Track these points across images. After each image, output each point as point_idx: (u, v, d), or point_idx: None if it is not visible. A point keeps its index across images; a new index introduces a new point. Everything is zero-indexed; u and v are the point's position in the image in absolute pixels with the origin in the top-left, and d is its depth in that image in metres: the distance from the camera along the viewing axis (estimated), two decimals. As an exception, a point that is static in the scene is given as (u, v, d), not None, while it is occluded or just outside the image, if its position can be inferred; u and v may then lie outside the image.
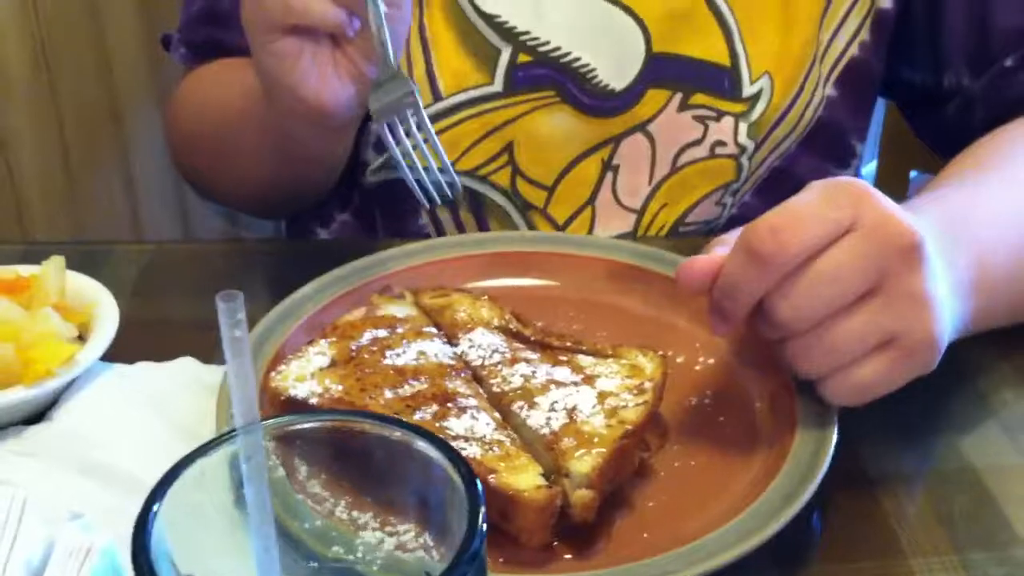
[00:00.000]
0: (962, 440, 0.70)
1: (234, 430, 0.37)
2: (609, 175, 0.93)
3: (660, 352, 0.69)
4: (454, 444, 0.60)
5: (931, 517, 0.65)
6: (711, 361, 0.74)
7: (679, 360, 0.74)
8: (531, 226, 0.94)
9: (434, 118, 0.90)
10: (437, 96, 0.91)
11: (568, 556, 0.60)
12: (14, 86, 1.28)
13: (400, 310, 0.72)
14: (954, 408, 0.72)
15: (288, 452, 0.42)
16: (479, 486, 0.36)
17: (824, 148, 0.98)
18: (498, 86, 0.91)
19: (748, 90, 0.91)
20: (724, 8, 0.90)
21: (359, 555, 0.45)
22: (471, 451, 0.60)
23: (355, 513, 0.45)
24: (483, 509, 0.36)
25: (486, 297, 0.74)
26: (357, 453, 0.39)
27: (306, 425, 0.39)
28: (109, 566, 0.46)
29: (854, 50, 0.94)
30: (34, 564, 0.47)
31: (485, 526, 0.36)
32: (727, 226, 0.97)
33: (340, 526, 0.44)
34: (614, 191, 0.94)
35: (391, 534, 0.45)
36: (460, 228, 0.95)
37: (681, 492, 0.64)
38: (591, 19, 0.90)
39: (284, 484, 0.44)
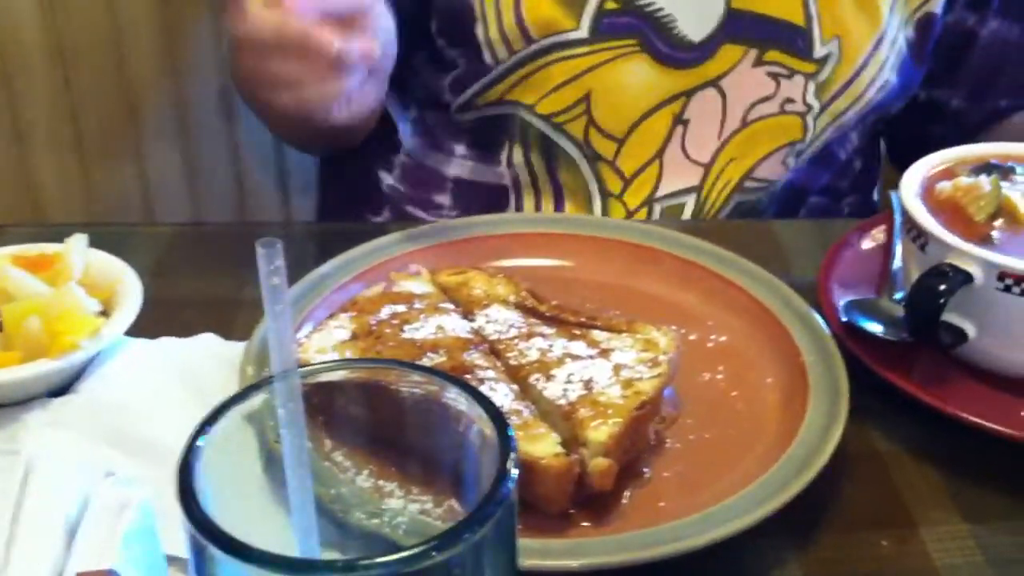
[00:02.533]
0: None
1: (271, 378, 0.38)
2: (679, 129, 0.96)
3: (674, 328, 0.70)
4: (473, 414, 0.62)
5: (942, 490, 0.66)
6: (723, 339, 0.75)
7: (692, 338, 0.75)
8: (598, 177, 0.96)
9: (521, 62, 0.93)
10: (529, 39, 0.92)
11: (586, 523, 0.61)
12: (32, 79, 1.29)
13: (418, 286, 0.73)
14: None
15: (319, 410, 0.43)
16: (511, 431, 0.37)
17: (870, 135, 1.02)
18: (584, 31, 0.93)
19: (819, 51, 0.94)
20: None
21: (385, 519, 0.46)
22: (490, 420, 0.61)
23: (380, 481, 0.46)
24: (514, 454, 0.37)
25: (502, 275, 0.75)
26: (389, 403, 0.40)
27: (339, 374, 0.41)
28: (144, 523, 0.47)
29: (901, 43, 0.98)
30: (71, 518, 0.48)
31: (516, 471, 0.37)
32: (783, 189, 1.01)
33: (364, 493, 0.46)
34: (683, 146, 0.96)
35: (414, 501, 0.46)
36: (532, 175, 0.97)
37: (695, 464, 0.65)
38: None
39: (309, 452, 0.45)
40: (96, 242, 0.76)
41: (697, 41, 0.93)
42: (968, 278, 0.67)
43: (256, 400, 0.39)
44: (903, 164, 0.77)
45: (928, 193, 0.73)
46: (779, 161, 0.97)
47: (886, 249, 0.81)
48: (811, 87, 0.95)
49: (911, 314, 0.69)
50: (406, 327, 0.68)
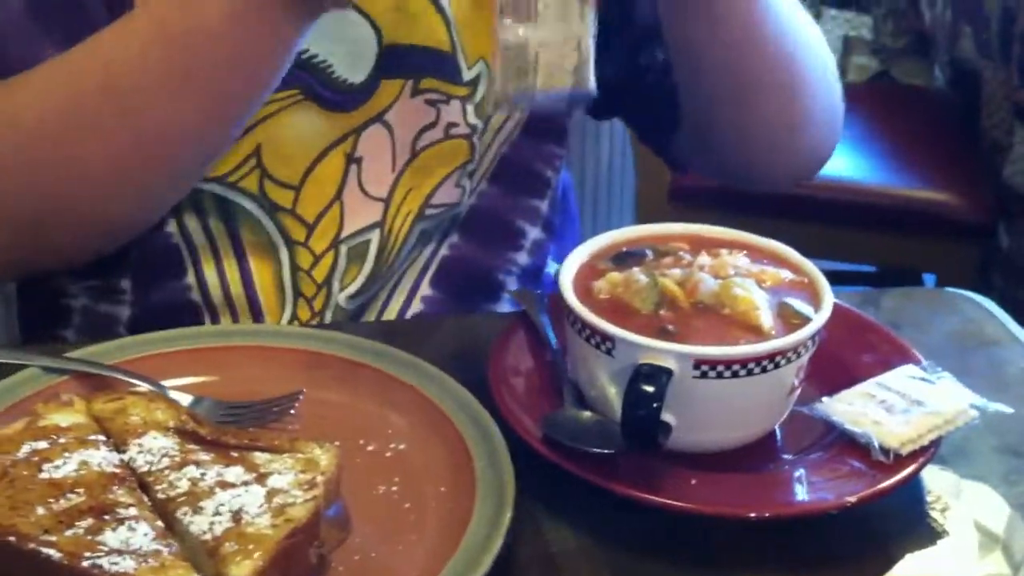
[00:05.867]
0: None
1: None
2: (353, 168, 0.94)
3: (337, 443, 0.68)
4: (107, 559, 0.58)
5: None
6: (402, 447, 0.74)
7: (370, 448, 0.74)
8: (281, 228, 0.94)
9: None
10: None
11: (235, 665, 0.57)
12: None
13: (65, 418, 0.68)
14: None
15: None
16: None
17: (542, 132, 1.03)
18: None
19: (467, 74, 0.95)
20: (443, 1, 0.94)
21: None
22: (125, 565, 0.57)
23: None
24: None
25: (161, 399, 0.72)
26: None
27: None
28: None
29: None
30: None
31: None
32: (470, 213, 1.01)
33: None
34: (360, 183, 0.95)
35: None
36: (210, 238, 0.93)
37: (359, 587, 0.63)
38: (323, 18, 0.87)
39: None
40: None
41: (358, 83, 0.93)
42: (669, 374, 0.68)
43: None
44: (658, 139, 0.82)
45: (586, 295, 0.74)
46: (453, 185, 0.98)
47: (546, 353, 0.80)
48: (469, 109, 0.96)
49: (631, 425, 0.67)
50: (45, 465, 0.64)
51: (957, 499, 0.72)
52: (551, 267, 1.09)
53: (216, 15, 0.78)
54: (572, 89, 0.73)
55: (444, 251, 1.01)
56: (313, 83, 0.91)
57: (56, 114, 0.83)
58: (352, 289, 0.95)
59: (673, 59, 0.95)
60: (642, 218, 2.29)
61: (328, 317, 0.95)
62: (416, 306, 0.99)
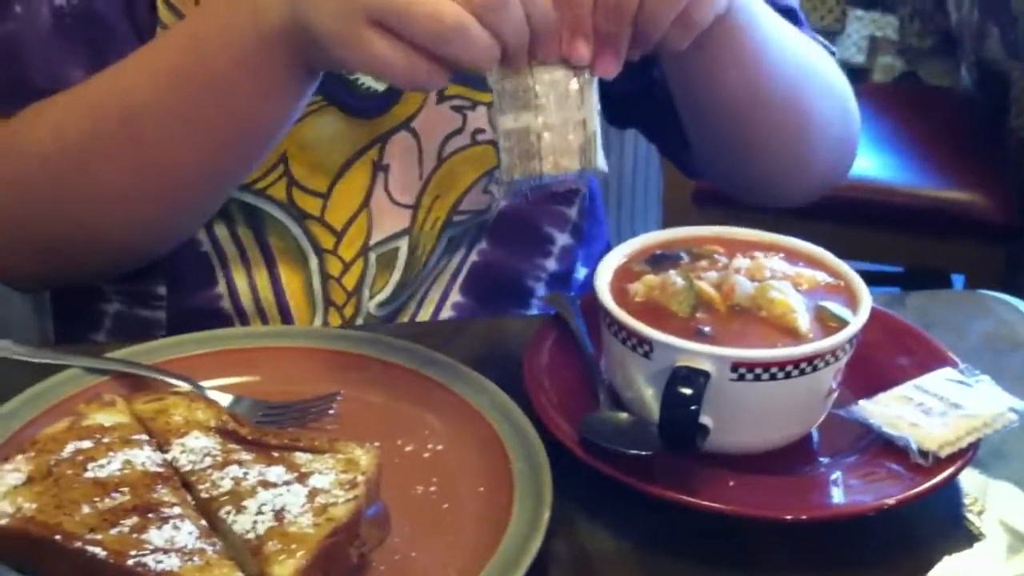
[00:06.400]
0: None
1: None
2: (380, 175, 0.95)
3: (376, 444, 0.68)
4: (152, 557, 0.59)
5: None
6: (440, 447, 0.74)
7: (408, 449, 0.74)
8: (310, 236, 0.94)
9: None
10: None
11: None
12: None
13: (108, 418, 0.69)
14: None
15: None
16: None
17: None
18: None
19: None
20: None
21: None
22: (169, 563, 0.58)
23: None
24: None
25: (202, 399, 0.72)
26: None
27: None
28: None
29: None
30: None
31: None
32: (499, 220, 1.00)
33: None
34: (387, 190, 0.95)
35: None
36: (240, 246, 0.94)
37: (399, 586, 0.63)
38: None
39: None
40: None
41: (381, 90, 0.93)
42: (707, 376, 0.68)
43: None
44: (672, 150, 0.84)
45: (622, 297, 0.74)
46: (481, 191, 0.98)
47: (580, 356, 0.80)
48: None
49: (669, 427, 0.68)
50: (90, 465, 0.65)
51: (984, 499, 0.72)
52: (579, 272, 1.09)
53: (226, 64, 0.79)
54: (581, 169, 0.72)
55: (474, 257, 1.01)
56: (338, 89, 0.92)
57: (77, 145, 0.84)
58: (382, 296, 0.96)
59: (674, 96, 0.93)
60: (668, 221, 2.29)
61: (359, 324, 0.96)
62: (446, 312, 0.99)
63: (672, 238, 0.80)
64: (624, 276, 0.76)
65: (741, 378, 0.68)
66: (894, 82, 2.71)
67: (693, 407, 0.67)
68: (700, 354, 0.68)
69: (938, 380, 0.76)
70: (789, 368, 0.68)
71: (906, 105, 2.46)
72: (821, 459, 0.74)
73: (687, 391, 0.67)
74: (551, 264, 1.05)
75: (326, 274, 0.95)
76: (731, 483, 0.69)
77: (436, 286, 1.00)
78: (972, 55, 2.50)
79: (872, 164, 2.18)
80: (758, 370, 0.68)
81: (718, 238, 0.80)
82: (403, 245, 0.97)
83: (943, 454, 0.70)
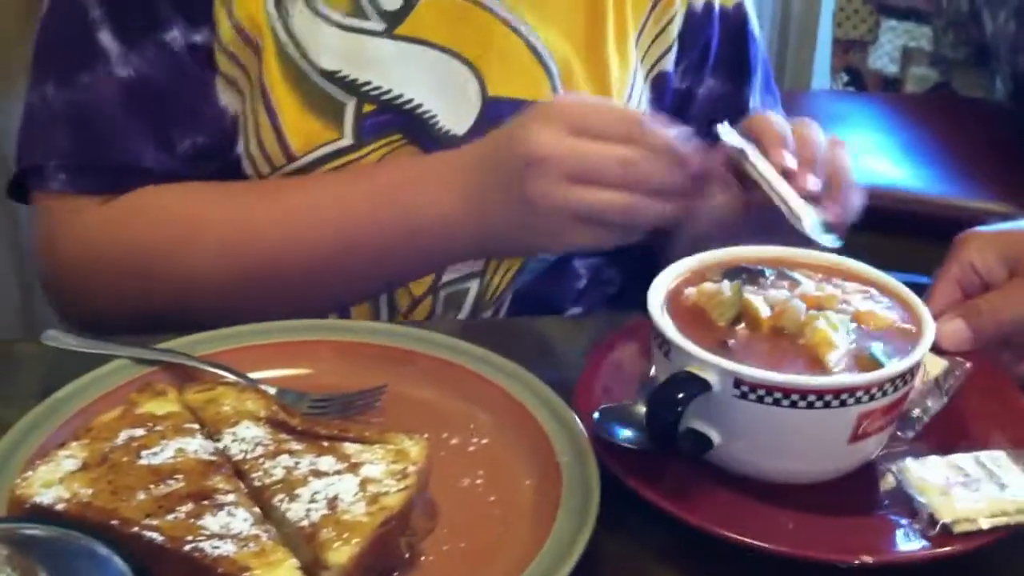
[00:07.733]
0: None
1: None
2: None
3: (425, 435, 0.69)
4: (208, 543, 0.59)
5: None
6: (485, 441, 0.75)
7: (454, 442, 0.74)
8: None
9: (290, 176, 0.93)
10: (290, 157, 0.92)
11: (331, 649, 0.58)
12: None
13: (160, 407, 0.70)
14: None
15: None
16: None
17: None
18: (348, 139, 0.92)
19: None
20: (544, 53, 0.95)
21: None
22: (225, 549, 0.59)
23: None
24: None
25: (252, 389, 0.73)
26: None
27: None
28: None
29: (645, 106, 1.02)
30: None
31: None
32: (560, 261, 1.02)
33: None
34: None
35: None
36: None
37: (448, 576, 0.64)
38: (426, 67, 0.92)
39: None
40: None
41: (461, 134, 0.93)
42: (706, 386, 0.67)
43: None
44: None
45: (675, 299, 0.74)
46: None
47: (647, 351, 0.80)
48: None
49: (651, 424, 0.68)
50: (143, 452, 0.65)
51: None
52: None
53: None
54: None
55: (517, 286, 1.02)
56: (417, 131, 0.93)
57: (241, 272, 0.90)
58: None
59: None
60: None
61: None
62: None
63: (771, 256, 0.78)
64: (691, 279, 0.76)
65: (744, 396, 0.67)
66: (927, 93, 2.70)
67: (678, 409, 0.66)
68: (707, 364, 0.67)
69: (1000, 457, 0.70)
70: (795, 397, 0.66)
71: (940, 116, 2.45)
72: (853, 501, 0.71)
73: (676, 393, 0.67)
74: (581, 283, 1.05)
75: (394, 308, 0.96)
76: (790, 525, 0.67)
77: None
78: (1007, 67, 2.48)
79: (904, 174, 2.17)
80: (760, 391, 0.66)
81: (817, 264, 0.78)
82: (473, 286, 0.97)
83: (956, 529, 0.65)
